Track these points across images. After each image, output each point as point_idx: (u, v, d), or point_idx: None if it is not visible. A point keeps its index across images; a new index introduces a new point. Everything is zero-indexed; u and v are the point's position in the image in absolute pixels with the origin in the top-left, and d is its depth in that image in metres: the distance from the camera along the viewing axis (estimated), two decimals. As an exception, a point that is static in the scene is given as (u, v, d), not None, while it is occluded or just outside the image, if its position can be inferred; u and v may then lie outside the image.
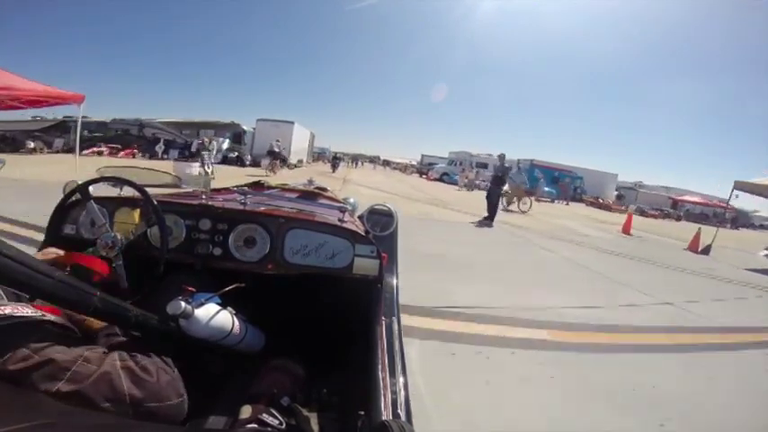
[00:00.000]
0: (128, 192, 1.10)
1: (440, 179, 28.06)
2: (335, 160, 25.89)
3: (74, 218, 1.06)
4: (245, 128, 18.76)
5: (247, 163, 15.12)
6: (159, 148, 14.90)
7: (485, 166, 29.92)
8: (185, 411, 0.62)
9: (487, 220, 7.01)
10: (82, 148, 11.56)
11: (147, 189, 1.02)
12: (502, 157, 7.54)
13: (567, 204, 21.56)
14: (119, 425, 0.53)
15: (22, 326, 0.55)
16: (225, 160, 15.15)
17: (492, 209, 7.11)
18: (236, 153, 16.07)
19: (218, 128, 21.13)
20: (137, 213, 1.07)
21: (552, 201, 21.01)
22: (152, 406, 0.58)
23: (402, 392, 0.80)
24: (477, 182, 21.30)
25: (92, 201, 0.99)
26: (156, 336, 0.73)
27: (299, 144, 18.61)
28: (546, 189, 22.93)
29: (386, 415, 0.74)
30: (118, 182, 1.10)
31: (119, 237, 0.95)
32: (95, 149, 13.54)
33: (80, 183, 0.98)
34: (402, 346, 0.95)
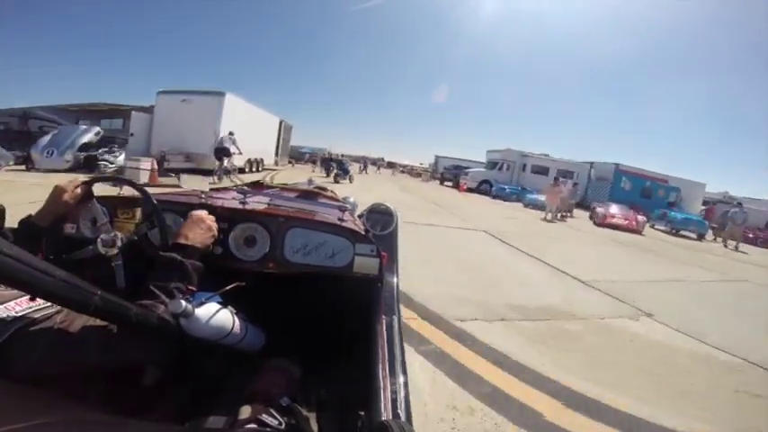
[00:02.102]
0: (128, 191, 1.13)
1: (477, 189, 20.31)
2: (330, 163, 19.19)
3: (74, 217, 1.06)
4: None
5: (110, 168, 9.48)
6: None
7: (544, 171, 21.90)
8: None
9: None
10: None
11: (148, 189, 1.04)
12: None
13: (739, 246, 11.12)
14: (118, 424, 0.55)
15: (38, 322, 0.59)
16: (90, 163, 9.66)
17: None
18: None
19: (129, 113, 13.49)
20: (137, 212, 1.09)
21: (701, 237, 13.32)
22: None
23: (402, 392, 0.80)
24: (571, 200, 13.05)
25: (95, 199, 1.02)
26: (157, 335, 0.76)
27: (248, 135, 12.05)
28: (677, 215, 14.50)
29: (386, 415, 0.72)
30: (118, 181, 1.14)
31: (119, 236, 0.96)
32: None
33: (85, 181, 1.02)
34: (402, 345, 0.94)
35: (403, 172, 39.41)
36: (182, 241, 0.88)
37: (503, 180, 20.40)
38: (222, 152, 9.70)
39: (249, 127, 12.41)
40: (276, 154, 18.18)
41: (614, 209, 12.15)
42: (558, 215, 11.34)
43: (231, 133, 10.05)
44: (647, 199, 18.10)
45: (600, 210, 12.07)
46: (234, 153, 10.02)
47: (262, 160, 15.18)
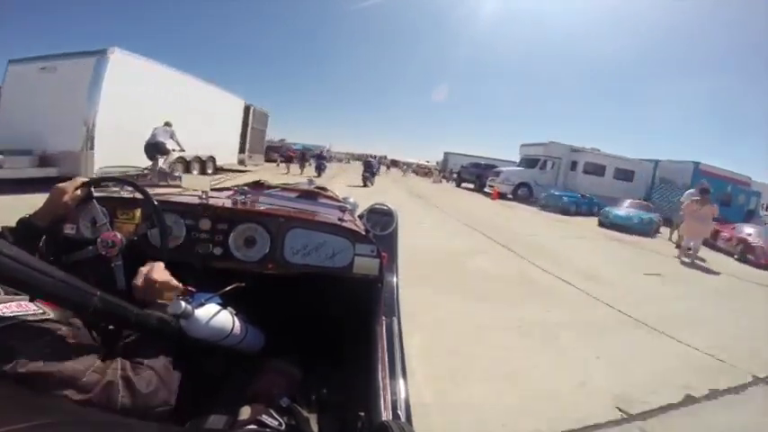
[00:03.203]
0: (128, 192, 1.17)
1: (514, 195, 15.82)
2: (320, 161, 16.66)
3: (74, 217, 1.10)
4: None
5: None
6: None
7: (600, 171, 16.84)
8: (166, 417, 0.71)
9: None
10: None
11: (148, 189, 1.08)
12: None
13: None
14: (118, 424, 0.56)
15: (28, 326, 0.58)
16: None
17: None
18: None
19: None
20: (137, 213, 1.12)
21: None
22: (138, 413, 0.64)
23: (402, 392, 0.82)
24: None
25: (95, 200, 1.06)
26: (157, 336, 0.80)
27: (179, 121, 8.31)
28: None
29: (386, 415, 0.73)
30: (119, 182, 1.16)
31: (119, 236, 0.99)
32: None
33: (85, 182, 1.08)
34: (402, 345, 0.97)
35: (404, 169, 34.37)
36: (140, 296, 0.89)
37: (545, 182, 15.92)
38: (155, 149, 7.54)
39: (179, 109, 8.91)
40: (242, 150, 13.22)
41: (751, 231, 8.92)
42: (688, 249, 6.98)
43: (168, 124, 7.96)
44: (727, 206, 15.11)
45: (755, 241, 7.37)
46: (174, 150, 8.13)
47: (212, 159, 10.25)
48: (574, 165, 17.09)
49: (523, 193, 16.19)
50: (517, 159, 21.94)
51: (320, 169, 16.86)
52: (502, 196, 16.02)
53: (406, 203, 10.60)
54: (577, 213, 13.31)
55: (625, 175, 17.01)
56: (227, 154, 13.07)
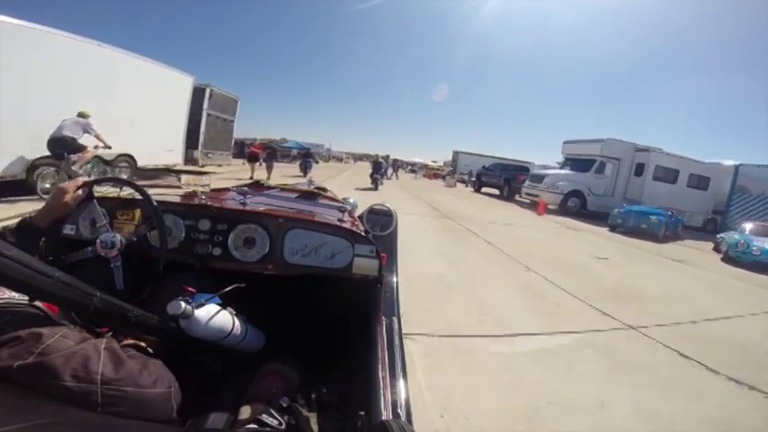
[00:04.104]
0: (128, 192, 1.25)
1: (560, 207, 12.16)
2: (307, 160, 14.98)
3: (73, 217, 1.15)
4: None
5: None
6: None
7: (672, 177, 13.28)
8: (173, 404, 0.67)
9: None
10: None
11: (147, 189, 1.16)
12: None
13: None
14: (117, 425, 0.56)
15: (7, 310, 0.62)
16: None
17: None
18: None
19: None
20: (137, 213, 1.17)
21: None
22: (128, 390, 0.59)
23: (402, 392, 0.86)
24: None
25: (95, 201, 1.11)
26: (157, 336, 0.90)
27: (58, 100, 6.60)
28: None
29: (386, 415, 0.75)
30: (118, 182, 1.21)
31: (118, 237, 1.04)
32: None
33: (86, 182, 1.17)
34: (402, 345, 1.01)
35: (410, 171, 30.93)
36: None
37: (601, 190, 12.07)
38: (62, 145, 5.89)
39: (59, 86, 6.27)
40: (194, 145, 9.60)
41: None
42: None
43: (83, 114, 6.32)
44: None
45: None
46: (97, 147, 6.56)
47: (128, 158, 6.68)
48: (639, 168, 13.75)
49: (573, 205, 12.93)
50: (536, 161, 17.99)
51: (306, 169, 15.59)
52: (547, 210, 12.19)
53: (424, 227, 6.98)
54: (665, 237, 9.78)
55: (699, 182, 14.08)
56: (159, 150, 9.62)
